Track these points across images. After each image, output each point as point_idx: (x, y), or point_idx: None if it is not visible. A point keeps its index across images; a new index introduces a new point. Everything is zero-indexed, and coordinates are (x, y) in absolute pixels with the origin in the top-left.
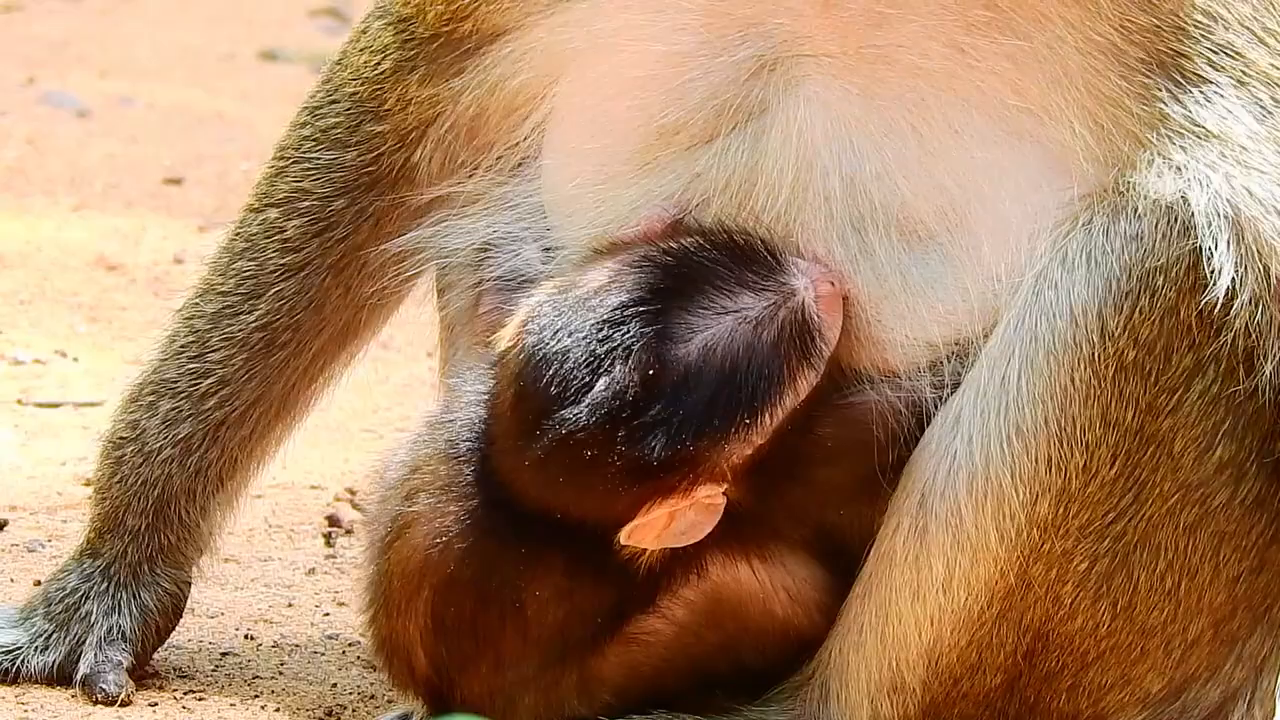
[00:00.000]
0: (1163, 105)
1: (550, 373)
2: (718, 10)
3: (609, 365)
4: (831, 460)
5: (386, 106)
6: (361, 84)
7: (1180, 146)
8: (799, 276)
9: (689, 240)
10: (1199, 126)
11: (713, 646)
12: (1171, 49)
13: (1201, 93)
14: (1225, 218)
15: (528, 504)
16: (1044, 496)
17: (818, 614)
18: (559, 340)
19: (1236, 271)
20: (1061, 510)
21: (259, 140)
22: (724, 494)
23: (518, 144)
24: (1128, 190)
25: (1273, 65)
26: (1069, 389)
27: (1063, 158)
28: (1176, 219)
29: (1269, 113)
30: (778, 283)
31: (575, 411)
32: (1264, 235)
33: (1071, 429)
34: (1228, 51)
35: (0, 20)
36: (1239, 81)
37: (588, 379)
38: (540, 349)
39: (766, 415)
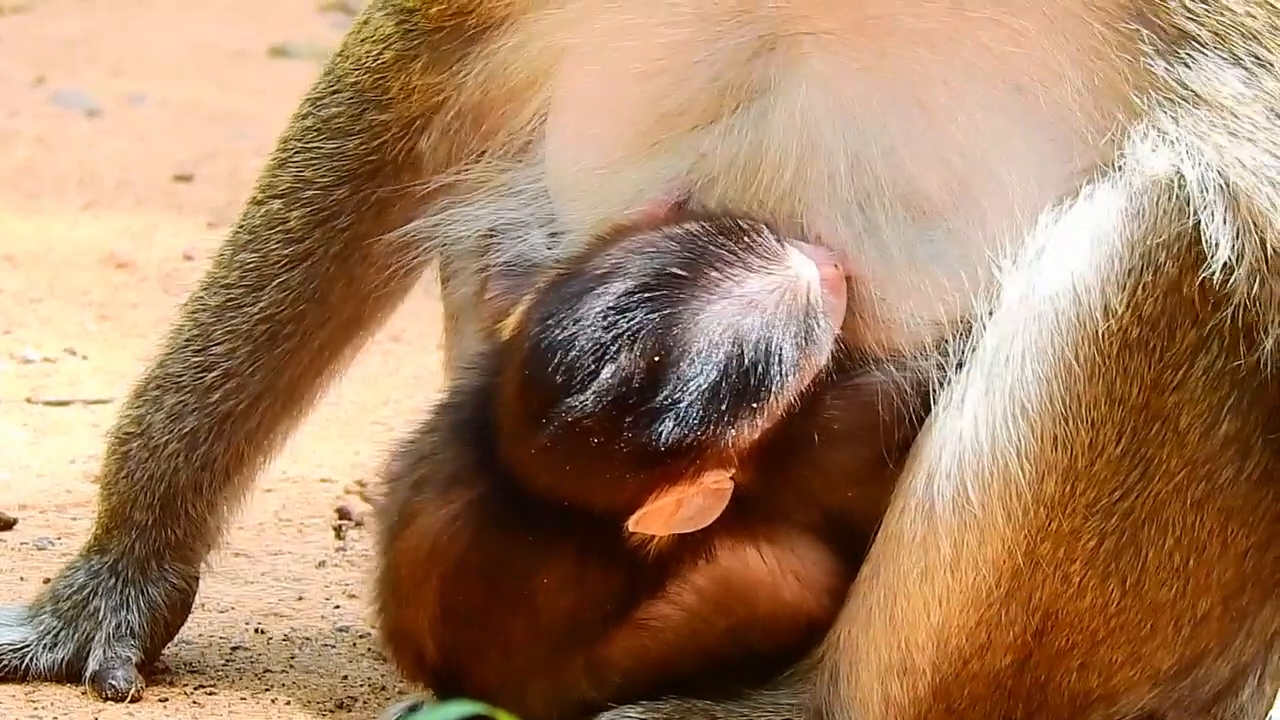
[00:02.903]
0: (1148, 62)
1: (556, 360)
2: None
3: (615, 352)
4: (838, 442)
5: (390, 95)
6: (364, 74)
7: (1171, 116)
8: (803, 260)
9: (693, 225)
10: (1187, 89)
11: (722, 631)
12: None
13: (1185, 50)
14: (1218, 190)
15: (535, 491)
16: (1050, 475)
17: (827, 597)
18: (564, 327)
19: (1234, 244)
20: (1068, 488)
21: (270, 137)
22: (731, 479)
23: (522, 127)
24: (1125, 164)
25: (1249, 13)
26: (1073, 367)
27: (1064, 125)
28: (1174, 195)
29: (1253, 74)
30: (782, 266)
31: (581, 399)
32: (1258, 206)
33: (1076, 407)
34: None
35: (10, 20)
36: (1217, 34)
37: (593, 366)
38: (545, 336)
39: (773, 400)
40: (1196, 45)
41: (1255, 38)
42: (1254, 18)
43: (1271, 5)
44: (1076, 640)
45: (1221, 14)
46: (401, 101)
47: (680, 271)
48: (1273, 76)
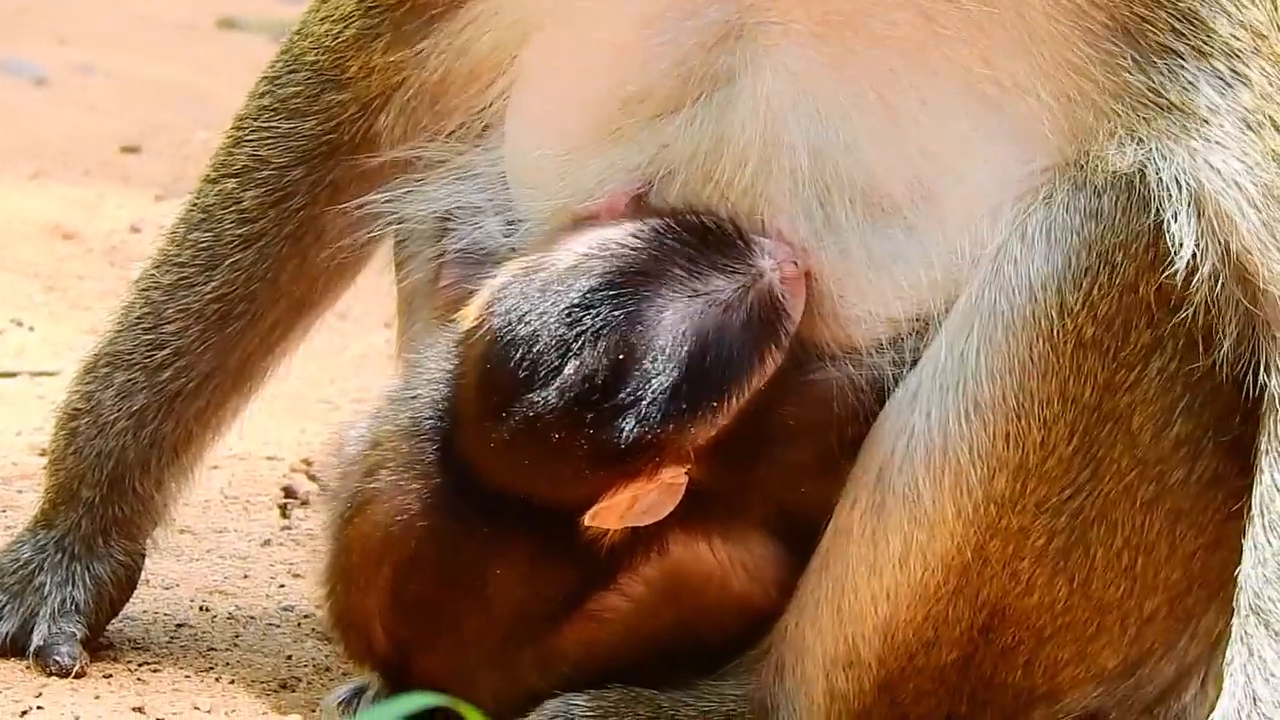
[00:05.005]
0: (1127, 74)
1: (518, 356)
2: None
3: (578, 349)
4: (792, 438)
5: (349, 74)
6: (322, 53)
7: (1143, 119)
8: (765, 257)
9: (657, 221)
10: (1162, 98)
11: (671, 623)
12: (1135, 14)
13: (1165, 63)
14: (1186, 191)
15: (492, 484)
16: (1001, 472)
17: (776, 591)
18: (526, 323)
19: (1197, 246)
20: (1019, 486)
21: (217, 109)
22: (687, 474)
23: (483, 110)
24: (1089, 164)
25: (1233, 35)
26: (1027, 365)
27: (1029, 129)
28: (1136, 194)
29: (1229, 85)
30: (745, 264)
31: (543, 395)
32: (1225, 210)
33: (1029, 405)
34: (1190, 19)
35: None
36: (1200, 52)
37: (556, 362)
38: (507, 332)
39: (733, 397)
40: (1177, 59)
41: (1236, 55)
42: (1238, 39)
43: (1256, 30)
44: (1023, 637)
45: (1208, 35)
46: (361, 80)
47: (644, 268)
48: (1249, 91)
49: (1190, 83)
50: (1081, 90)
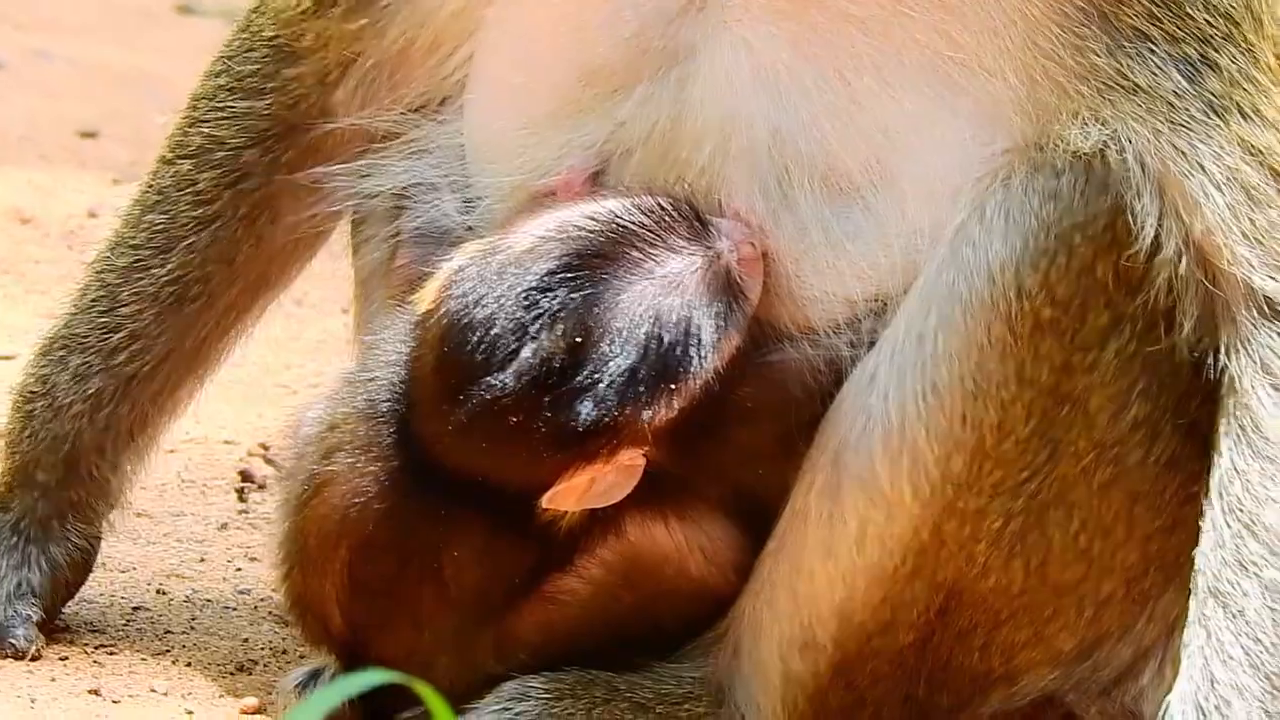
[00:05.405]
0: (1096, 57)
1: (475, 339)
2: None
3: (535, 332)
4: (750, 420)
5: (305, 44)
6: (280, 27)
7: (1108, 100)
8: (722, 239)
9: (614, 203)
10: (1128, 80)
11: (628, 605)
12: None
13: (1135, 47)
14: (1149, 172)
15: (449, 467)
16: (958, 454)
17: (733, 574)
18: (484, 306)
19: (1160, 226)
20: (975, 468)
21: (175, 94)
22: (644, 456)
23: (442, 81)
24: (1050, 145)
25: (1208, 21)
26: (985, 346)
27: (993, 111)
28: (1095, 176)
29: (1198, 71)
30: (702, 246)
31: (501, 378)
32: (1188, 192)
33: (987, 386)
34: (1168, 4)
35: None
36: (1173, 37)
37: (514, 346)
38: (465, 315)
39: (691, 379)
40: (1148, 43)
41: (1208, 42)
42: (1212, 25)
43: (1230, 17)
44: (979, 620)
45: (1183, 20)
46: (317, 52)
47: (601, 251)
48: (1217, 77)
49: (1159, 67)
50: (1047, 72)
